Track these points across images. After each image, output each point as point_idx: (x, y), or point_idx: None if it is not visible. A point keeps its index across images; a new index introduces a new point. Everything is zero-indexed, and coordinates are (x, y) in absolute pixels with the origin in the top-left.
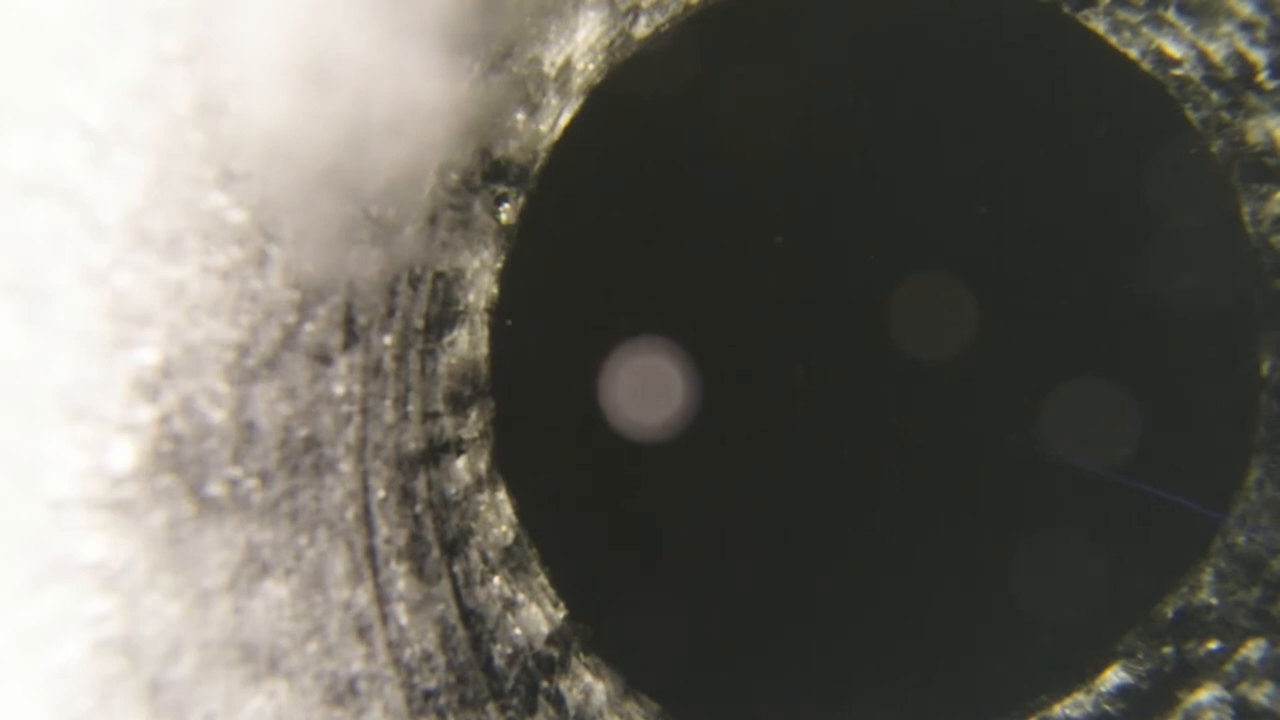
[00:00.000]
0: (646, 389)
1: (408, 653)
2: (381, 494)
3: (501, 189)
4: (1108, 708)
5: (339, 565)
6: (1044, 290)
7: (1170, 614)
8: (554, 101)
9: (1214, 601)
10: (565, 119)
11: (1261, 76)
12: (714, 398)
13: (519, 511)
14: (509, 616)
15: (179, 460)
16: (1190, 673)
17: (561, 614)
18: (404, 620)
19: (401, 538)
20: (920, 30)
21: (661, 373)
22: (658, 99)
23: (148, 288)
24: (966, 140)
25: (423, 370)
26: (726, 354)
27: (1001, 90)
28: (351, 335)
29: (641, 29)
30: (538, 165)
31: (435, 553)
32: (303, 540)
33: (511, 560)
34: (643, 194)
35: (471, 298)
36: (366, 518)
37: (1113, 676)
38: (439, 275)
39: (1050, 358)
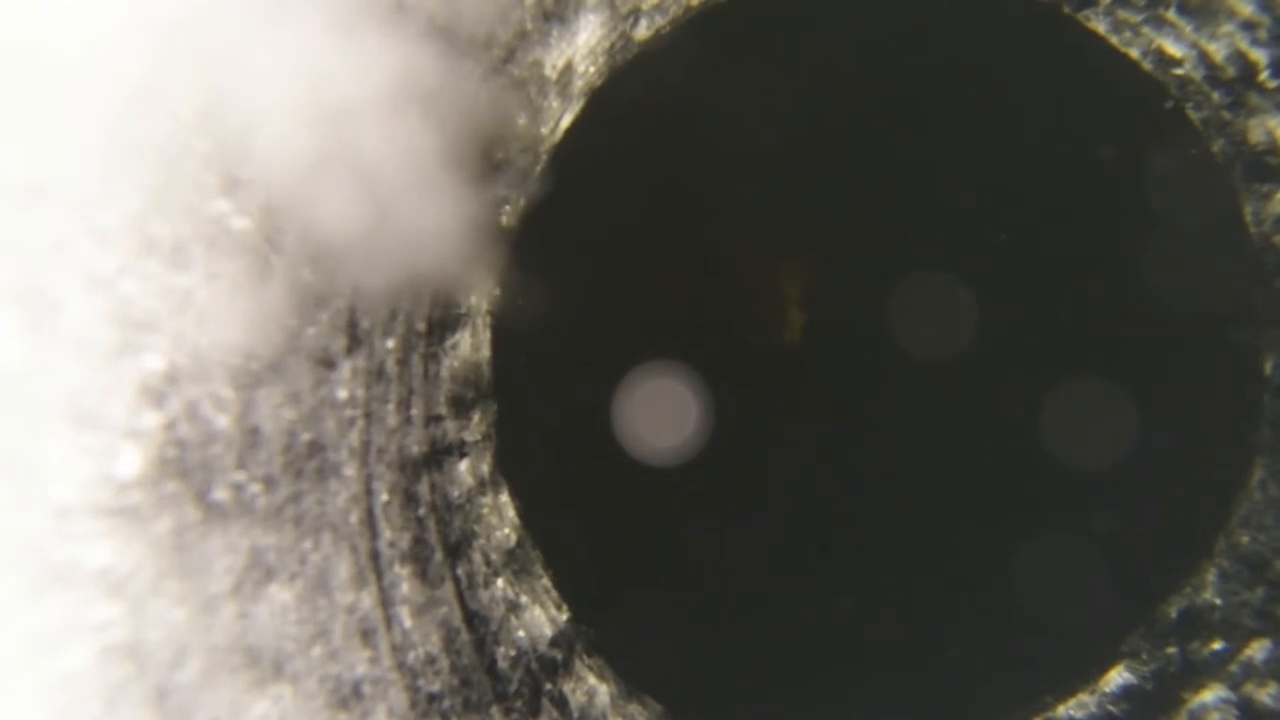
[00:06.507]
0: (649, 391)
1: (412, 656)
2: (385, 497)
3: (503, 191)
4: (1112, 708)
5: (343, 569)
6: (1044, 290)
7: (1174, 614)
8: (555, 104)
9: (1218, 602)
10: (566, 121)
11: (1263, 76)
12: (717, 399)
13: (522, 514)
14: (512, 619)
15: (184, 466)
16: (1195, 673)
17: (565, 616)
18: (408, 623)
19: (405, 541)
20: (920, 30)
21: (663, 374)
22: (658, 101)
23: (153, 294)
24: (966, 140)
25: (425, 373)
26: (729, 355)
27: (1001, 90)
28: (354, 339)
29: (642, 31)
30: (539, 167)
31: (439, 556)
32: (307, 544)
33: (515, 563)
34: (644, 196)
35: (473, 300)
36: (370, 521)
37: (1116, 677)
38: None
39: (1051, 358)
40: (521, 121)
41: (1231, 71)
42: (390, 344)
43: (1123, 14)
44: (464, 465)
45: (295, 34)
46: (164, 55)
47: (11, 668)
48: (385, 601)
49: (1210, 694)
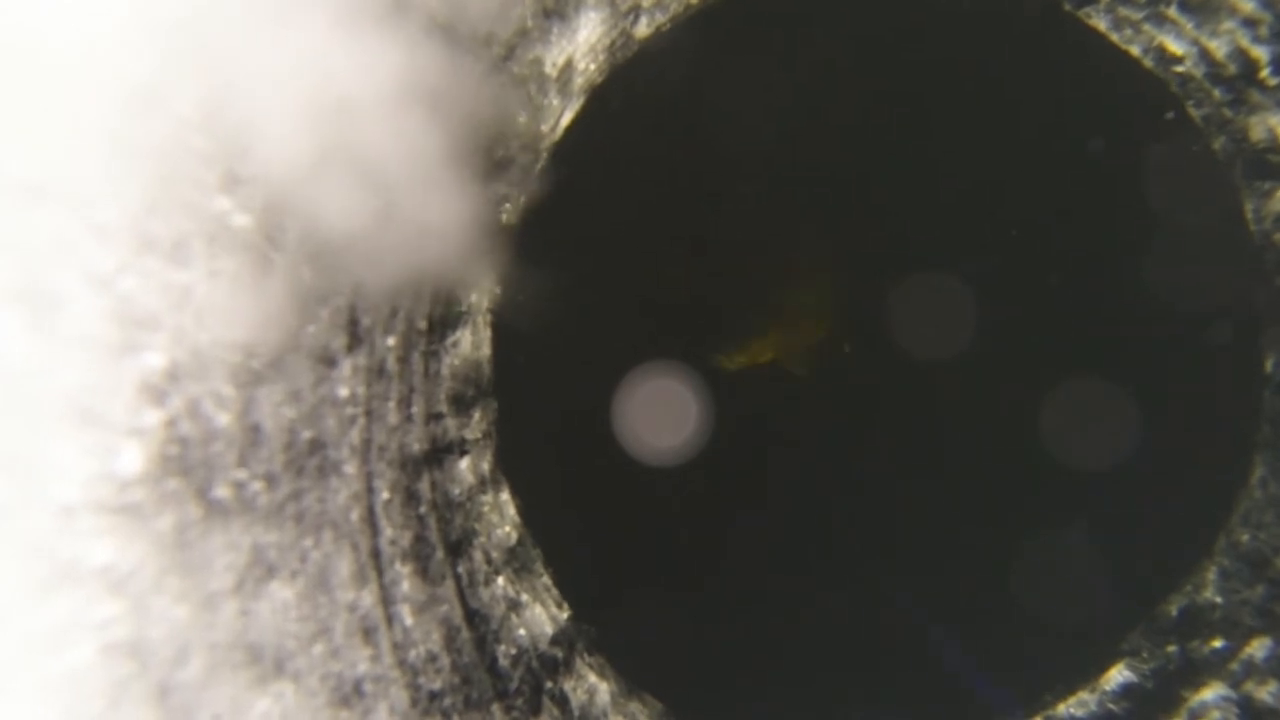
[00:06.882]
0: (649, 390)
1: (413, 654)
2: (386, 495)
3: (503, 189)
4: (1112, 706)
5: (344, 567)
6: (1044, 289)
7: (1175, 612)
8: (555, 102)
9: (1219, 600)
10: (567, 119)
11: (1264, 73)
12: (718, 398)
13: (522, 512)
14: (513, 617)
15: (185, 463)
16: (1195, 671)
17: (565, 614)
18: (409, 621)
19: (406, 539)
20: (920, 28)
21: (664, 373)
22: (659, 99)
23: (153, 292)
24: (965, 137)
25: (426, 371)
26: (729, 353)
27: (1001, 87)
28: (355, 337)
29: (643, 29)
30: (539, 165)
31: (439, 554)
32: (308, 542)
33: (515, 561)
34: (645, 193)
35: (474, 298)
36: (371, 519)
37: (1117, 675)
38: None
39: (1050, 356)
40: (522, 119)
41: (1232, 69)
42: (391, 341)
43: (1123, 11)
44: (464, 463)
45: (295, 32)
46: (164, 54)
47: (13, 666)
48: (386, 599)
49: (1211, 692)
